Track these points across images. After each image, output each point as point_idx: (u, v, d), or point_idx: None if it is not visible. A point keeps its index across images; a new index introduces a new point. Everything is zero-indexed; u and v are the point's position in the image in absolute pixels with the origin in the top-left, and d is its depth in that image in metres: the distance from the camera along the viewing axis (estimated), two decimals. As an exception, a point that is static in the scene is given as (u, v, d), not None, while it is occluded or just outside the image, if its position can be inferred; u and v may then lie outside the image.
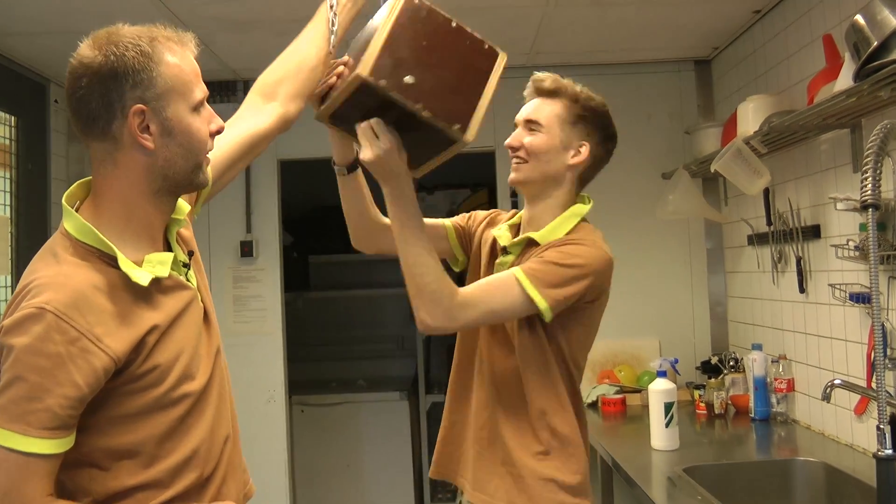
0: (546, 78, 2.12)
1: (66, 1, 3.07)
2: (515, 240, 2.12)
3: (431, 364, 5.89)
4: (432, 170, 1.89)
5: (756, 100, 3.23)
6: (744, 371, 3.60)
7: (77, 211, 1.50)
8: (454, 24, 1.76)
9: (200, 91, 1.52)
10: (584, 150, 2.10)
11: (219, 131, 1.58)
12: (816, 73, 2.85)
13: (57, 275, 1.39)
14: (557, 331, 2.04)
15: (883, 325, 2.39)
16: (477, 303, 1.92)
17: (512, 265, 2.03)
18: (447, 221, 2.33)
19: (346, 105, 1.79)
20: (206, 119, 1.54)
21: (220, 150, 1.69)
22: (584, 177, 2.15)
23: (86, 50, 1.45)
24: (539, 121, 2.09)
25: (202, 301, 1.62)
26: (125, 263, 1.44)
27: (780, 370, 3.34)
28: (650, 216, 4.01)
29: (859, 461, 2.66)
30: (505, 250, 2.14)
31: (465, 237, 2.32)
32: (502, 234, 2.17)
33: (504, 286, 1.94)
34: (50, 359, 1.32)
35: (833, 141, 2.93)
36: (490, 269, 2.18)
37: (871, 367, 2.61)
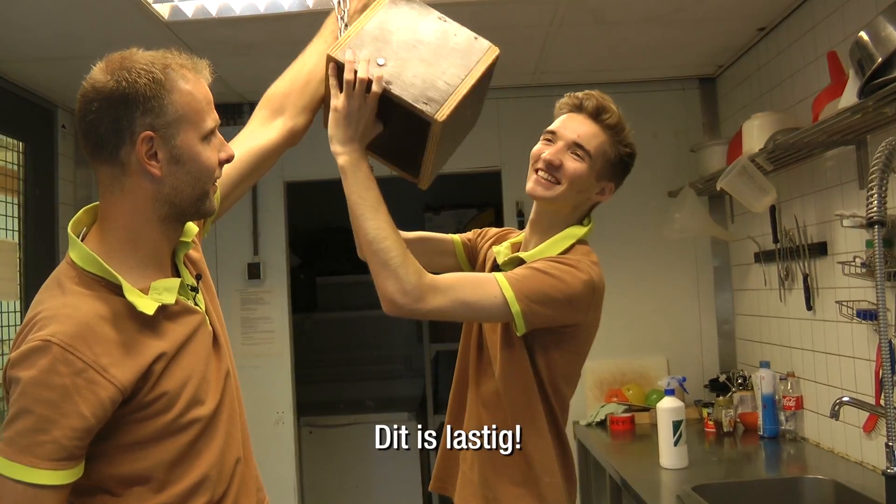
0: (611, 111, 2.03)
1: (73, 26, 3.10)
2: (508, 258, 2.08)
3: (440, 384, 5.87)
4: (430, 171, 1.88)
5: (761, 117, 3.24)
6: (752, 389, 3.59)
7: (84, 237, 1.51)
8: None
9: (212, 119, 1.52)
10: (608, 191, 2.08)
11: (228, 159, 1.58)
12: (821, 90, 2.85)
13: (62, 306, 1.40)
14: (538, 353, 1.98)
15: (890, 342, 2.38)
16: (448, 289, 1.82)
17: None
18: (455, 237, 2.33)
19: None
20: (216, 147, 1.54)
21: (228, 168, 1.68)
22: (591, 211, 2.12)
23: (98, 74, 1.45)
24: (589, 149, 1.99)
25: (211, 324, 1.61)
26: (130, 293, 1.44)
27: (789, 388, 3.33)
28: (657, 235, 4.02)
29: (869, 479, 2.64)
30: (498, 268, 2.09)
31: (473, 252, 2.31)
32: (502, 250, 2.14)
33: (481, 281, 1.88)
34: (56, 391, 1.33)
35: (839, 158, 2.93)
36: None
37: (880, 385, 2.60)
